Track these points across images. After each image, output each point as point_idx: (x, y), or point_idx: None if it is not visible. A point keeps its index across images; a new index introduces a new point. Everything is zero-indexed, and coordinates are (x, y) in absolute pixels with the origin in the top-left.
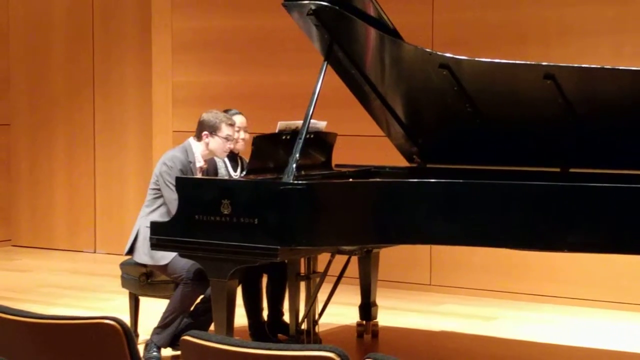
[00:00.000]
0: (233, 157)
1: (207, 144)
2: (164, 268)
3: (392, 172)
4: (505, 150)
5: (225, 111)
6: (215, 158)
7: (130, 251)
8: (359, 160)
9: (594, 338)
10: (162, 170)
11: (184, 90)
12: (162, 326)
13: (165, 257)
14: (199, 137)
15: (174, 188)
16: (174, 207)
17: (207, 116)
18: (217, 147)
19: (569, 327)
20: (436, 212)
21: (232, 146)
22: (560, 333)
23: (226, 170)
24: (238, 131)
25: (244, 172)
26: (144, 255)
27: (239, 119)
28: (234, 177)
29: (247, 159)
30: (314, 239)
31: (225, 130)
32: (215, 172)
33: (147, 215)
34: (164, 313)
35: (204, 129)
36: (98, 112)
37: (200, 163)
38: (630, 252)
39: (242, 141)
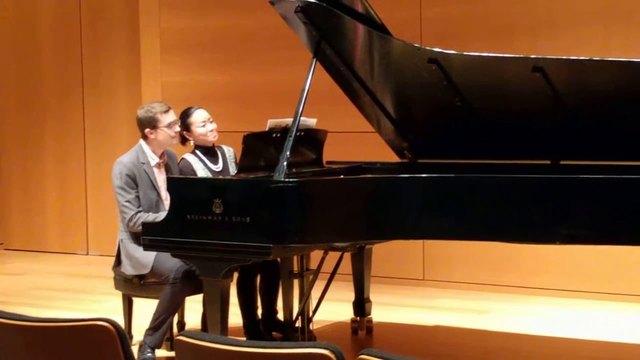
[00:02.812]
0: (210, 151)
1: (154, 140)
2: (150, 273)
3: (383, 168)
4: (496, 144)
5: (187, 110)
6: (189, 159)
7: (118, 264)
8: (349, 157)
9: (586, 329)
10: (112, 178)
11: (174, 90)
12: (154, 328)
13: (146, 265)
14: (144, 137)
15: (121, 192)
16: (123, 212)
17: (141, 113)
18: (165, 137)
19: (562, 319)
20: (428, 207)
21: (178, 129)
22: (552, 325)
23: (204, 170)
24: (204, 125)
25: (236, 171)
26: (128, 266)
27: (201, 114)
28: (216, 171)
29: (233, 153)
30: (307, 236)
31: (164, 119)
32: (193, 174)
33: (121, 230)
34: (154, 314)
35: (144, 127)
36: (88, 113)
37: (155, 160)
38: (622, 242)
39: (212, 132)
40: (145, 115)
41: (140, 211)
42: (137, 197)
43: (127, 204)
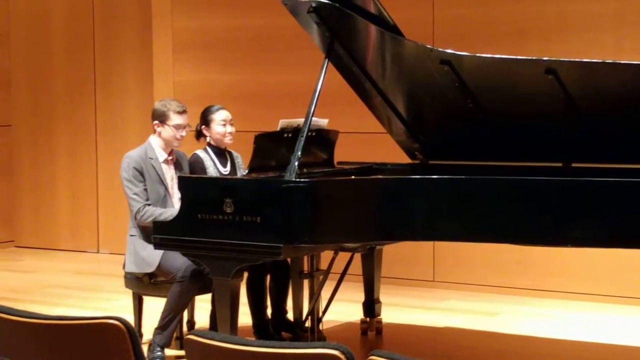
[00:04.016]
0: (221, 152)
1: (160, 134)
2: (158, 271)
3: (394, 168)
4: (507, 146)
5: (211, 106)
6: (202, 156)
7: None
8: (361, 158)
9: (597, 332)
10: (120, 171)
11: (185, 89)
12: (162, 327)
13: (151, 264)
14: (154, 129)
15: (129, 184)
16: (131, 205)
17: (157, 105)
18: (169, 136)
19: (572, 322)
20: (439, 209)
21: (184, 134)
22: (563, 328)
23: (214, 168)
24: (224, 125)
25: (247, 171)
26: (130, 263)
27: (224, 114)
28: (224, 173)
29: (236, 153)
30: (317, 236)
31: (174, 118)
32: (204, 171)
33: (131, 227)
34: (162, 313)
35: (154, 118)
36: (99, 112)
37: (163, 157)
38: (634, 246)
39: (229, 135)
40: (159, 108)
41: (148, 204)
42: (145, 189)
43: (134, 196)
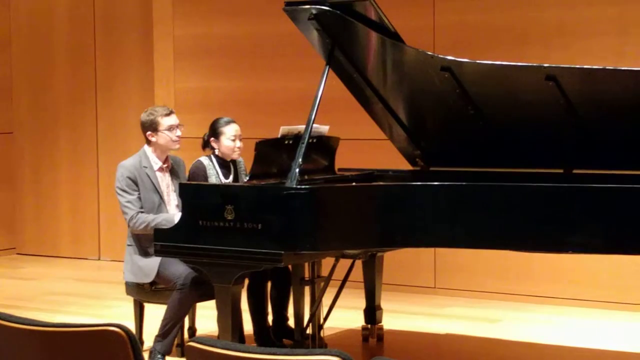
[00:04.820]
0: (225, 163)
1: (156, 143)
2: (157, 279)
3: (395, 175)
4: (508, 152)
5: (221, 118)
6: (206, 163)
7: None
8: (362, 164)
9: (598, 339)
10: (115, 181)
11: (186, 97)
12: (162, 334)
13: (149, 274)
14: (147, 141)
15: (122, 193)
16: (124, 213)
17: (143, 117)
18: (166, 141)
19: (574, 328)
20: (440, 215)
21: (180, 134)
22: (564, 334)
23: (217, 178)
24: (234, 140)
25: (247, 178)
26: (128, 272)
27: (234, 129)
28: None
29: (243, 164)
30: (318, 243)
31: (165, 122)
32: (205, 180)
33: (129, 236)
34: (163, 321)
35: (146, 130)
36: (101, 119)
37: (157, 165)
38: (634, 252)
39: (238, 149)
40: (147, 118)
41: (141, 211)
42: (139, 198)
43: (127, 204)
